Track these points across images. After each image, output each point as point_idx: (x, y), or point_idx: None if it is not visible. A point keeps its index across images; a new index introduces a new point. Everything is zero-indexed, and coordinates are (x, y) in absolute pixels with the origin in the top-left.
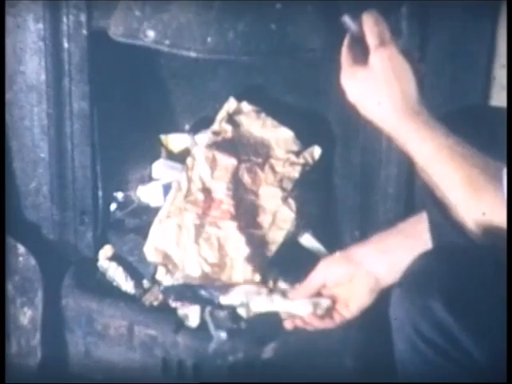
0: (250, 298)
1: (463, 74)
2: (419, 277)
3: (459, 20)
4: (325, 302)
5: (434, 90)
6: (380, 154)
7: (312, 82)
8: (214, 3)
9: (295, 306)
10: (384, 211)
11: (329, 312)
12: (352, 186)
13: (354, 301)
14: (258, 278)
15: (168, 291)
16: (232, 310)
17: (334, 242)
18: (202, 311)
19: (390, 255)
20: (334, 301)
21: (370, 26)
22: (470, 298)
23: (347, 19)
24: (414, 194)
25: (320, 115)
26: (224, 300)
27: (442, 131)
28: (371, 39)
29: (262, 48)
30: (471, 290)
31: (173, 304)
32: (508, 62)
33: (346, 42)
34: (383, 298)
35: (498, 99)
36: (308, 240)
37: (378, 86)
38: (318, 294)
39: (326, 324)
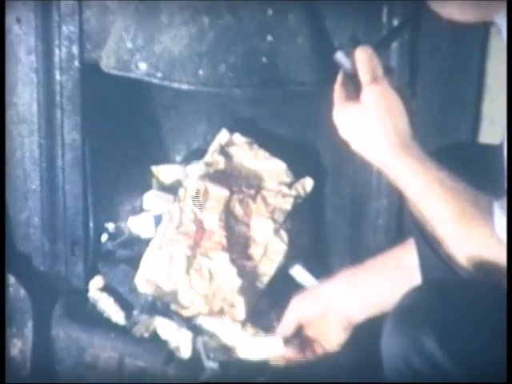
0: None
1: (452, 108)
2: (411, 311)
3: (448, 55)
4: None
5: (423, 124)
6: (370, 186)
7: (303, 114)
8: (205, 36)
9: (266, 346)
10: (374, 243)
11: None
12: (342, 218)
13: (329, 340)
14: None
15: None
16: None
17: (325, 274)
18: (194, 342)
19: (360, 293)
20: (311, 341)
21: (363, 62)
22: (461, 332)
23: (341, 55)
24: (404, 226)
25: (310, 147)
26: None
27: (433, 166)
28: (364, 75)
29: (253, 81)
30: (463, 325)
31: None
32: (508, 66)
33: (338, 78)
34: (374, 329)
35: (487, 134)
36: (299, 271)
37: (369, 121)
38: (297, 335)
39: (307, 355)
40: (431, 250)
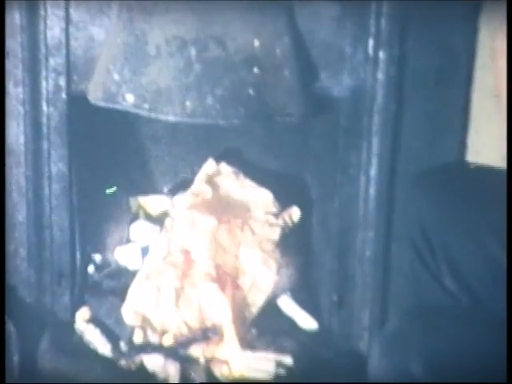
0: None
1: (439, 135)
2: (399, 336)
3: (434, 89)
4: (287, 359)
5: (411, 150)
6: (357, 218)
7: (289, 145)
8: (192, 68)
9: (258, 364)
10: (361, 274)
11: None
12: (329, 249)
13: None
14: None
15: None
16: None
17: (312, 305)
18: (183, 372)
19: None
20: None
21: None
22: (450, 359)
23: None
24: (391, 258)
25: (297, 178)
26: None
27: None
28: None
29: (239, 112)
30: (452, 352)
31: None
32: (508, 68)
33: None
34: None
35: (473, 160)
36: (286, 302)
37: None
38: None
39: None
40: (427, 271)
